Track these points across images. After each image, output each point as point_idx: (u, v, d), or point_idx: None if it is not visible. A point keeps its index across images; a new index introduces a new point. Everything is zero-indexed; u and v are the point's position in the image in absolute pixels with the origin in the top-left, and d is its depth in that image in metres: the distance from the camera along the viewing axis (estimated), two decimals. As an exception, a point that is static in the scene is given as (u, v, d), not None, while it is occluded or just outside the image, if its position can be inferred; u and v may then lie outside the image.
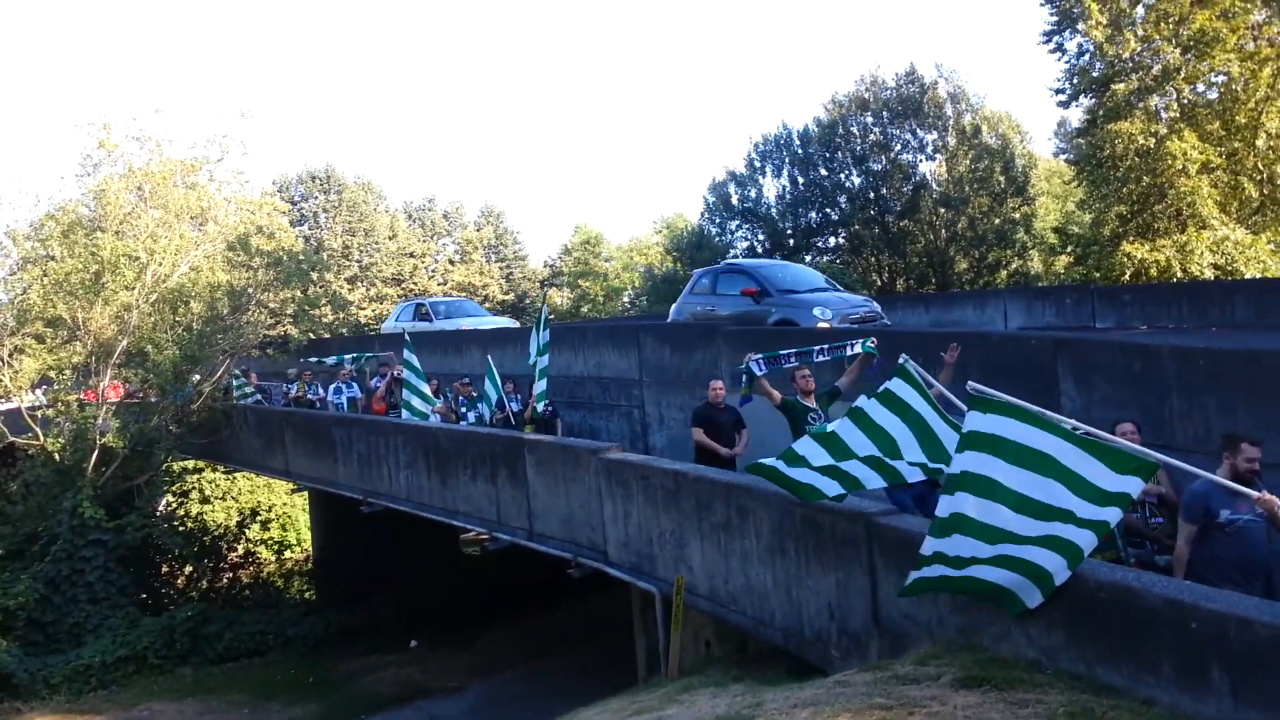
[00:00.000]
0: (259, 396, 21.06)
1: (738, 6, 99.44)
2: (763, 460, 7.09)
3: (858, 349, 9.52)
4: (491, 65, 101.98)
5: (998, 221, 36.14)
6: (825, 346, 9.76)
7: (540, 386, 14.36)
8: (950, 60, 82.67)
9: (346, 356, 20.58)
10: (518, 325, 24.60)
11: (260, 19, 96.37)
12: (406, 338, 16.86)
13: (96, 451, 19.09)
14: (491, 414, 15.53)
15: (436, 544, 19.60)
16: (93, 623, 17.54)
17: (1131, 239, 24.59)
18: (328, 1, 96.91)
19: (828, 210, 38.71)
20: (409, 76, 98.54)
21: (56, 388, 20.06)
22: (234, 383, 20.61)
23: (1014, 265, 36.46)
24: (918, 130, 37.54)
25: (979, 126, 37.22)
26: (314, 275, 24.52)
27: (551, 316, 16.85)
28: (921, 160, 38.04)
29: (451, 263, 52.06)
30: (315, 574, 22.54)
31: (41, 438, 19.45)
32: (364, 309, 46.37)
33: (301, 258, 22.54)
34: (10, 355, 20.37)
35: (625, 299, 53.79)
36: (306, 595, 22.07)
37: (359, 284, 47.19)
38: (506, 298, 51.40)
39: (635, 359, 15.89)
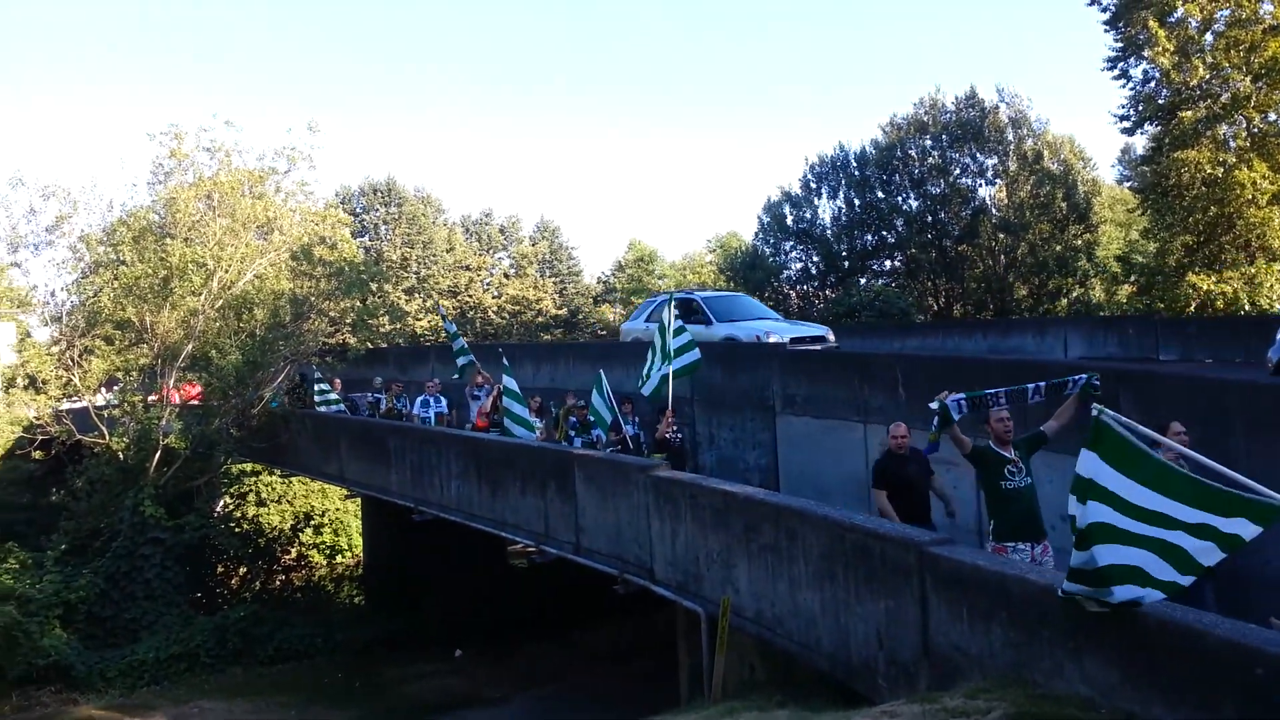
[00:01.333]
0: (343, 407, 20.70)
1: (797, 26, 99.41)
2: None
3: (1078, 386, 8.01)
4: (551, 81, 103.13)
5: (1059, 248, 35.53)
6: (1043, 385, 8.01)
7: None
8: (1012, 84, 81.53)
9: (462, 360, 18.23)
10: (832, 341, 17.43)
11: (327, 30, 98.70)
12: (505, 359, 15.35)
13: (159, 452, 19.61)
14: (606, 438, 13.89)
15: (484, 554, 19.76)
16: (148, 619, 17.97)
17: (1197, 270, 24.03)
18: (393, 17, 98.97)
19: (884, 233, 38.42)
20: (470, 91, 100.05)
21: (123, 388, 20.67)
22: (316, 388, 20.53)
23: (1075, 293, 35.81)
24: (978, 154, 37.13)
25: (1041, 151, 36.69)
26: (373, 286, 24.95)
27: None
28: (981, 185, 37.61)
29: (506, 276, 52.61)
30: (365, 580, 22.84)
31: (107, 436, 20.03)
32: (420, 319, 47.03)
33: (362, 268, 22.98)
34: (80, 356, 21.04)
35: (677, 317, 53.80)
36: (356, 600, 22.36)
37: (416, 295, 47.88)
38: (559, 313, 51.74)
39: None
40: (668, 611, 10.78)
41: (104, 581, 17.99)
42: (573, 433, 14.55)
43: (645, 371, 13.55)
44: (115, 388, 21.51)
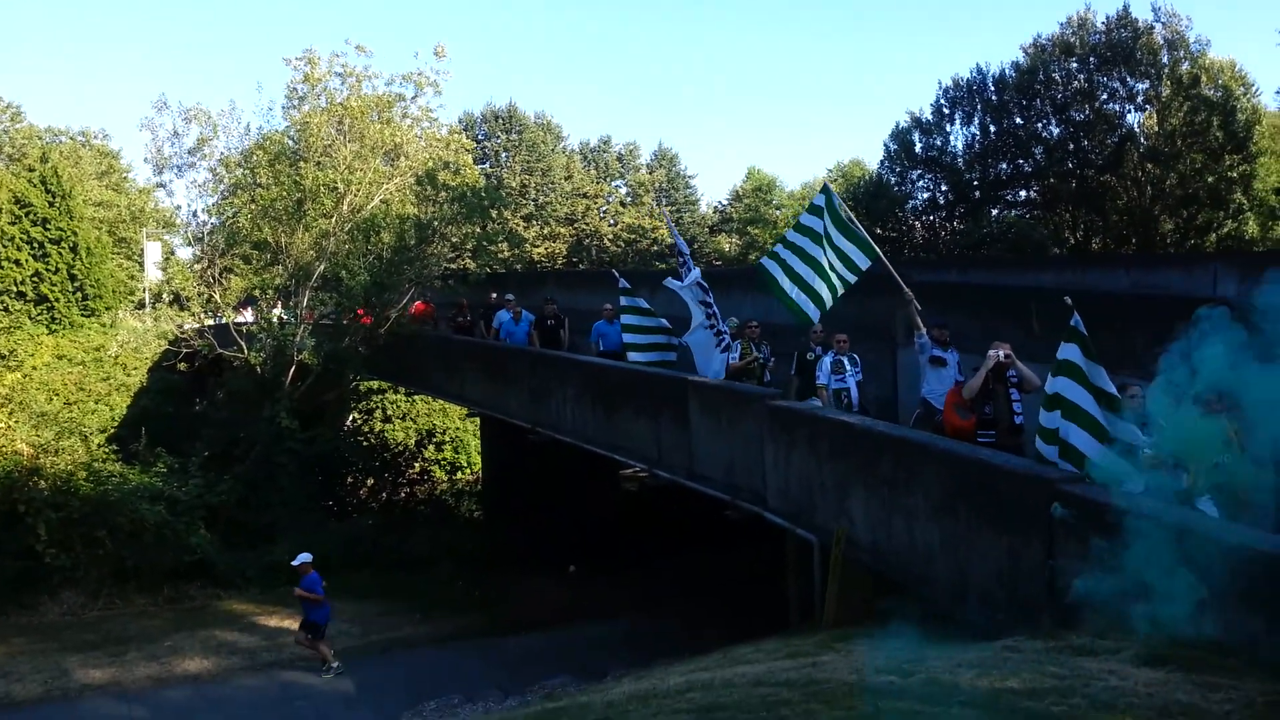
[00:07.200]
0: (673, 357, 13.71)
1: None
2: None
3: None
4: (672, 3, 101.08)
5: (1211, 180, 33.03)
6: None
7: None
8: (1170, 2, 75.66)
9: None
10: None
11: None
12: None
13: (294, 368, 20.57)
14: None
15: (597, 476, 20.09)
16: (283, 524, 19.10)
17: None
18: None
19: (1020, 161, 36.43)
20: (592, 14, 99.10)
21: (264, 306, 21.71)
22: (623, 322, 13.99)
23: (1226, 229, 33.37)
24: (1128, 78, 34.58)
25: (1198, 76, 33.90)
26: (493, 212, 25.25)
27: None
28: (1130, 111, 35.11)
29: (623, 205, 52.55)
30: (483, 496, 23.64)
31: (246, 351, 21.10)
32: (537, 246, 47.60)
33: (483, 194, 23.26)
34: (220, 274, 22.11)
35: (796, 247, 52.84)
36: (475, 515, 23.20)
37: (534, 222, 48.38)
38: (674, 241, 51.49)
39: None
40: (779, 540, 10.76)
41: (243, 487, 19.16)
42: None
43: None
44: (251, 306, 22.58)
